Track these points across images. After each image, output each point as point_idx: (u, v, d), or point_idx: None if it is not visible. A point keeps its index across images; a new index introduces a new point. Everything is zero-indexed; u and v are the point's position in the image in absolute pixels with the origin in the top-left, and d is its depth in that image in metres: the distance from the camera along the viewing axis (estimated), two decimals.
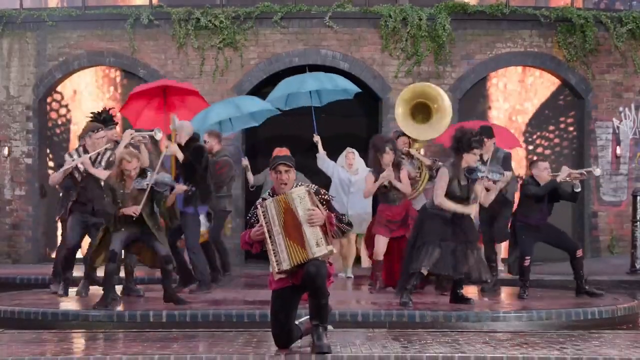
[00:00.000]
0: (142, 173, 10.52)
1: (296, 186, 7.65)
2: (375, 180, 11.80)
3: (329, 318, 7.72)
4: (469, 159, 10.51)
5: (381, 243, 11.85)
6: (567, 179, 11.37)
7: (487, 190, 10.74)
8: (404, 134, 13.05)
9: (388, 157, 11.77)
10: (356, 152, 14.07)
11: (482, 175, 10.51)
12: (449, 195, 10.43)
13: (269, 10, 16.73)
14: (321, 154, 13.88)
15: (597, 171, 11.65)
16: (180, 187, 11.28)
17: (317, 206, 7.51)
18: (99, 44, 16.97)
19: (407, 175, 11.93)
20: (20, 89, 17.13)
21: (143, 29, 16.81)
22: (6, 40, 17.18)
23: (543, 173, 11.36)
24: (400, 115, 13.13)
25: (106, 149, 11.39)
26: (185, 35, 16.65)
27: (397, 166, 11.85)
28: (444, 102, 13.09)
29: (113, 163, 11.09)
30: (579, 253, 11.44)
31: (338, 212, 7.73)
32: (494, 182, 10.76)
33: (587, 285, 11.47)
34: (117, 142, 11.55)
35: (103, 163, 11.36)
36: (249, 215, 7.78)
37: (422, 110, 13.22)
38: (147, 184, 10.43)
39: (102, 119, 11.84)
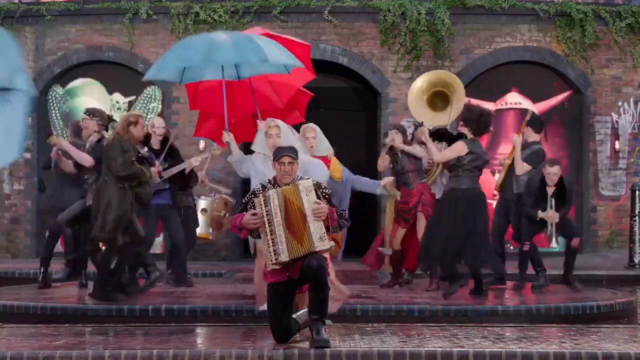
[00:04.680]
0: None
1: (299, 179, 7.68)
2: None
3: (327, 312, 7.74)
4: None
5: (400, 233, 11.46)
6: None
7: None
8: (421, 124, 12.67)
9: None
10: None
11: None
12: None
13: (267, 4, 16.72)
14: (235, 156, 10.07)
15: (553, 244, 11.60)
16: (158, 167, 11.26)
17: (321, 200, 7.54)
18: (98, 39, 16.95)
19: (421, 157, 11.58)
20: None
21: (142, 24, 16.79)
22: None
23: (552, 176, 11.39)
24: (417, 104, 12.69)
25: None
26: (185, 30, 16.62)
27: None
28: (459, 86, 12.74)
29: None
30: (574, 243, 11.46)
31: (337, 207, 7.78)
32: None
33: (570, 276, 11.53)
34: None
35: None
36: (245, 199, 7.76)
37: (438, 98, 12.86)
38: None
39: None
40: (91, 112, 11.21)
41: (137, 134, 10.32)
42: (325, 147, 10.32)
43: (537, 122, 12.14)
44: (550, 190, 11.43)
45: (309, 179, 7.67)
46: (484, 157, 10.72)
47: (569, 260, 11.53)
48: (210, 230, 12.76)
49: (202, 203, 12.80)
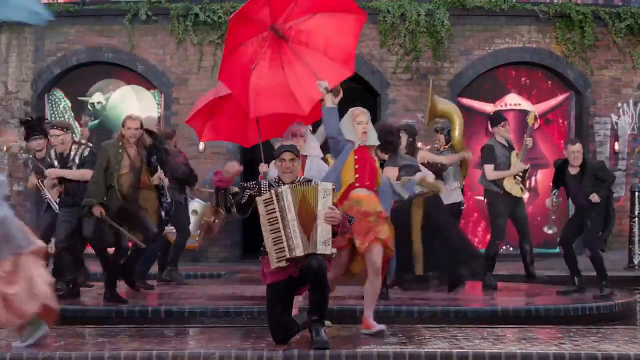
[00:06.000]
0: None
1: (302, 178, 7.73)
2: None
3: (327, 313, 7.74)
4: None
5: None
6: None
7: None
8: (438, 131, 12.56)
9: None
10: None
11: None
12: None
13: None
14: None
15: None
16: None
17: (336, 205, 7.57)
18: (98, 40, 16.94)
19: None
20: (19, 85, 17.12)
21: (141, 25, 16.78)
22: (4, 36, 17.15)
23: (575, 154, 11.25)
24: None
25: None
26: (184, 31, 16.63)
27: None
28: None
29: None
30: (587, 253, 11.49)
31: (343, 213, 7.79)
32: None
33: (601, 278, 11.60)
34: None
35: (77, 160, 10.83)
36: (246, 184, 7.74)
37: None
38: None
39: (30, 126, 11.55)
40: (64, 126, 10.92)
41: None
42: (374, 136, 8.54)
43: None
44: (573, 170, 11.28)
45: (328, 182, 7.71)
46: (413, 162, 10.68)
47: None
48: (198, 232, 13.00)
49: (194, 205, 12.95)
